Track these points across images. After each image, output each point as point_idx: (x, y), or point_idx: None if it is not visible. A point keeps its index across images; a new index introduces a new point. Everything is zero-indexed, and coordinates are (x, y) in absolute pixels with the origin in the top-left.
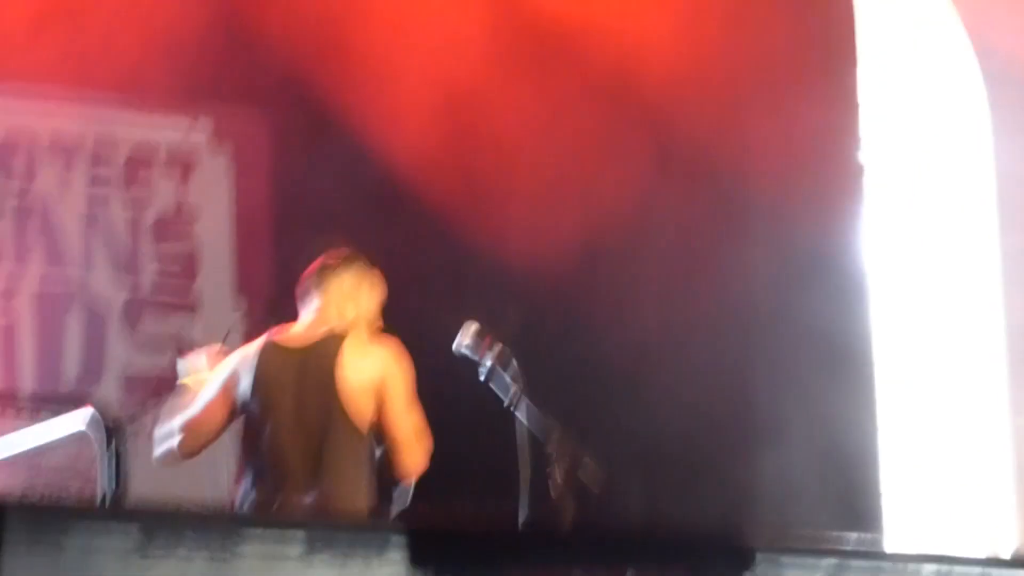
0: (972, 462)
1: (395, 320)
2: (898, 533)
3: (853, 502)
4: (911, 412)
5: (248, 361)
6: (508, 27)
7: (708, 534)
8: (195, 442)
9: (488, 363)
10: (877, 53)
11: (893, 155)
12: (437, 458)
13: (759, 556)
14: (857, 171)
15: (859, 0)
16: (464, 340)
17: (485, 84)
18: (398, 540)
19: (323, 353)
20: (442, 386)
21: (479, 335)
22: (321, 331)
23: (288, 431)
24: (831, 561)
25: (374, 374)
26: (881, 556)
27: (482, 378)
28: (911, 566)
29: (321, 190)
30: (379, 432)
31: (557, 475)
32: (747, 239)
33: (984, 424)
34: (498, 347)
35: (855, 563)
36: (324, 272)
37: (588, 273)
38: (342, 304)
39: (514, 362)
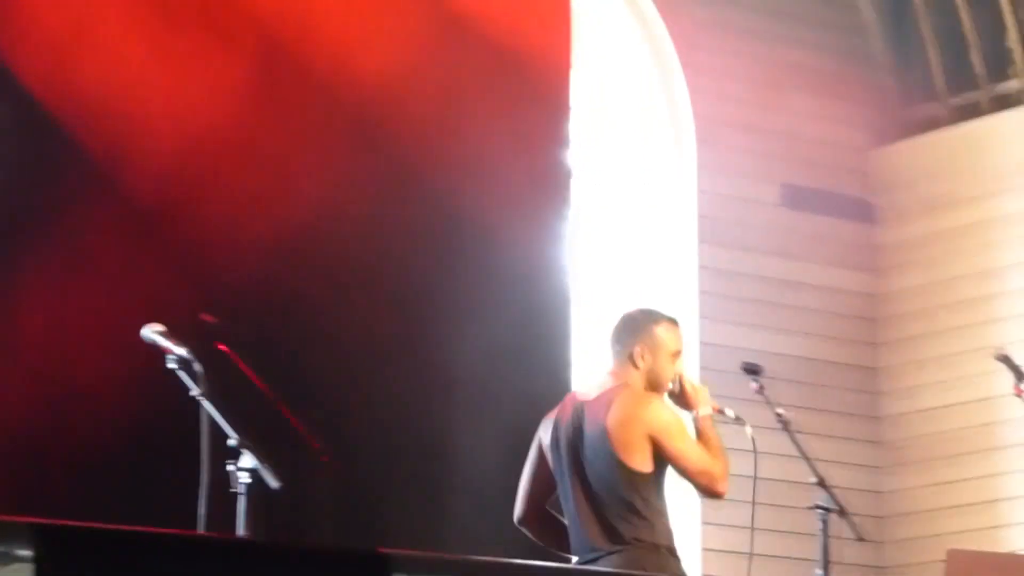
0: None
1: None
2: None
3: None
4: None
5: None
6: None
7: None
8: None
9: (178, 354)
10: (591, 63)
11: (599, 162)
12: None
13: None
14: (565, 176)
15: (577, 8)
16: (153, 329)
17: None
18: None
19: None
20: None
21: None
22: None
23: None
24: None
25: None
26: None
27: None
28: None
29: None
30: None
31: (239, 472)
32: (453, 248)
33: None
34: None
35: None
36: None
37: (285, 275)
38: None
39: (199, 364)
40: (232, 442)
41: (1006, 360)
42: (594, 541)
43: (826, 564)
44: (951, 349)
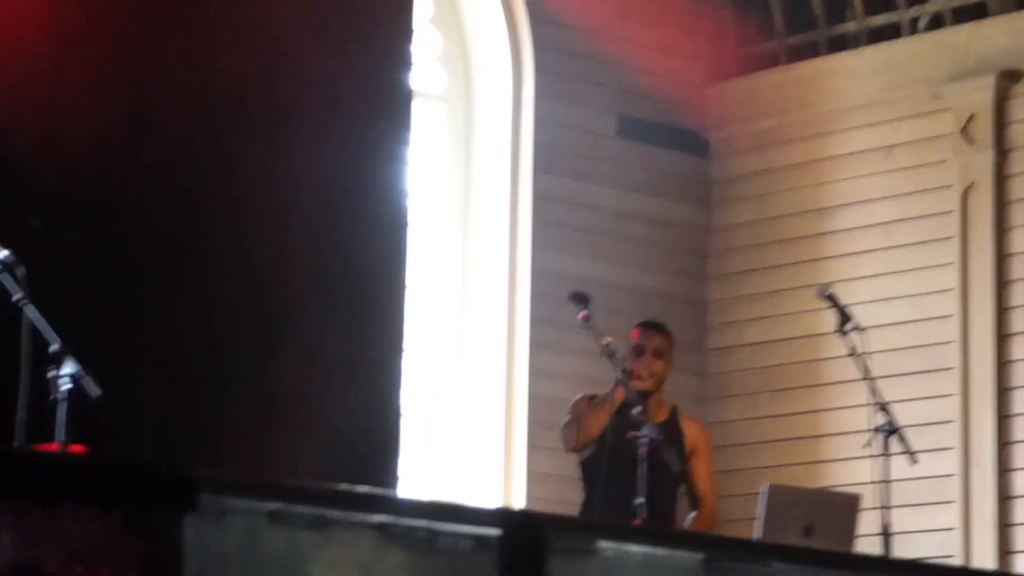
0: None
1: None
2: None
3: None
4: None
5: None
6: None
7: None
8: None
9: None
10: None
11: (436, 87)
12: None
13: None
14: (406, 98)
15: None
16: None
17: None
18: None
19: None
20: None
21: None
22: None
23: None
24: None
25: None
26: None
27: None
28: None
29: None
30: None
31: (60, 379)
32: (285, 167)
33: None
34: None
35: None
36: None
37: (109, 186)
38: None
39: (22, 268)
40: (54, 348)
41: (831, 299)
42: None
43: (648, 494)
44: (779, 285)
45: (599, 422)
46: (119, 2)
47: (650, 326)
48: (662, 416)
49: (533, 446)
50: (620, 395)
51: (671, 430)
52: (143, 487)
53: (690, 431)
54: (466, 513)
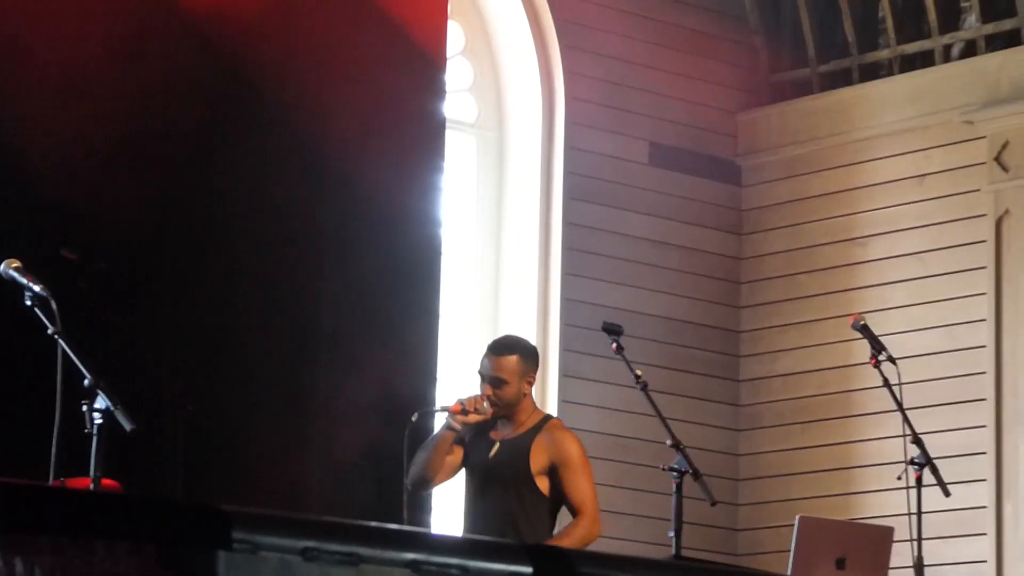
0: None
1: None
2: None
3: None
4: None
5: None
6: None
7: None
8: None
9: (34, 290)
10: (466, 15)
11: (470, 116)
12: None
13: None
14: (440, 127)
15: None
16: (10, 266)
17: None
18: None
19: None
20: None
21: (22, 270)
22: None
23: None
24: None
25: None
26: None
27: (27, 303)
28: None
29: None
30: None
31: (93, 413)
32: (321, 195)
33: None
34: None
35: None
36: None
37: (152, 216)
38: None
39: (53, 304)
40: (87, 382)
41: (864, 329)
42: None
43: (679, 525)
44: (811, 315)
45: (436, 466)
46: (170, 22)
47: (490, 350)
48: (521, 430)
49: None
50: (448, 436)
51: (519, 444)
52: (177, 524)
53: (547, 445)
54: (498, 550)
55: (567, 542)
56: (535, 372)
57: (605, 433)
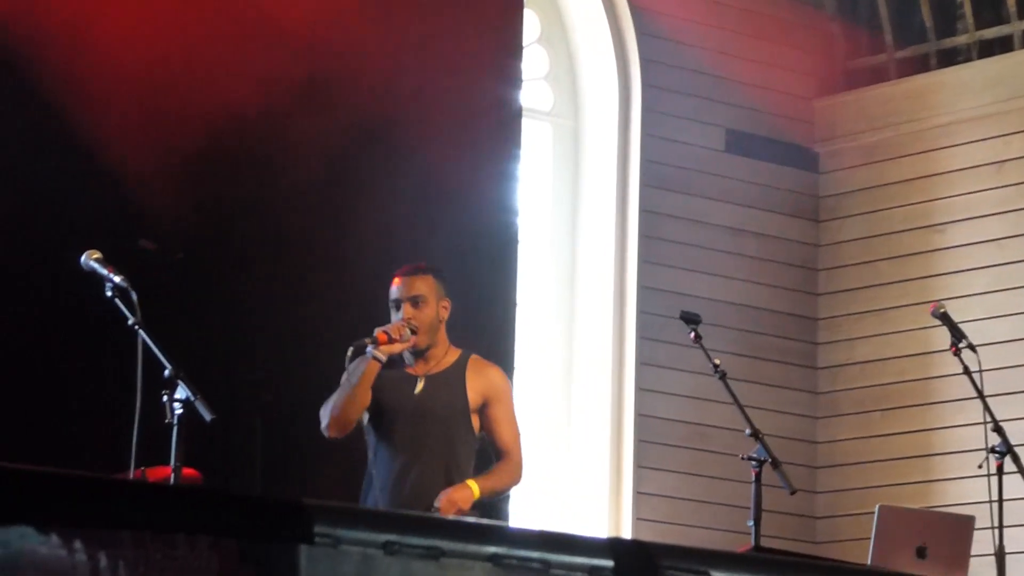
0: None
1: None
2: None
3: None
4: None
5: None
6: None
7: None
8: None
9: (115, 281)
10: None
11: (546, 104)
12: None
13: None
14: (516, 115)
15: None
16: (92, 257)
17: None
18: None
19: None
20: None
21: (103, 260)
22: None
23: None
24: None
25: None
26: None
27: (108, 294)
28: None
29: None
30: None
31: (173, 403)
32: (400, 185)
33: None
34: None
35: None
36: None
37: (228, 213)
38: None
39: (133, 295)
40: (167, 372)
41: (944, 317)
42: None
43: (758, 514)
44: (890, 303)
45: (364, 400)
46: (246, 17)
47: (401, 273)
48: (444, 364)
49: (640, 465)
50: (373, 367)
51: (450, 380)
52: (258, 518)
53: (480, 379)
54: (579, 544)
55: (493, 483)
56: (448, 301)
57: (683, 421)
